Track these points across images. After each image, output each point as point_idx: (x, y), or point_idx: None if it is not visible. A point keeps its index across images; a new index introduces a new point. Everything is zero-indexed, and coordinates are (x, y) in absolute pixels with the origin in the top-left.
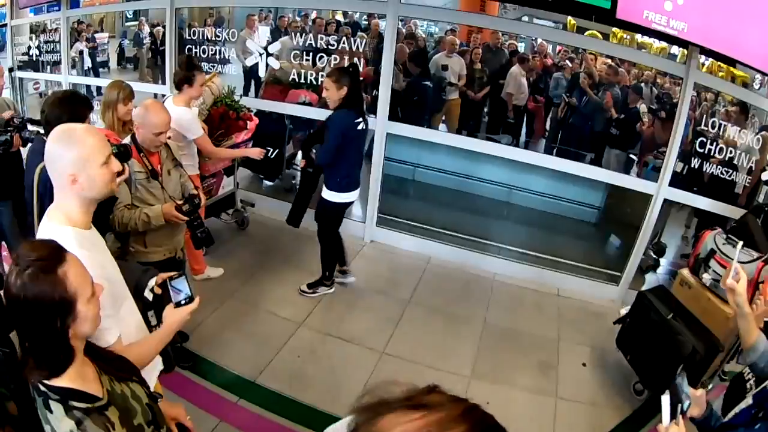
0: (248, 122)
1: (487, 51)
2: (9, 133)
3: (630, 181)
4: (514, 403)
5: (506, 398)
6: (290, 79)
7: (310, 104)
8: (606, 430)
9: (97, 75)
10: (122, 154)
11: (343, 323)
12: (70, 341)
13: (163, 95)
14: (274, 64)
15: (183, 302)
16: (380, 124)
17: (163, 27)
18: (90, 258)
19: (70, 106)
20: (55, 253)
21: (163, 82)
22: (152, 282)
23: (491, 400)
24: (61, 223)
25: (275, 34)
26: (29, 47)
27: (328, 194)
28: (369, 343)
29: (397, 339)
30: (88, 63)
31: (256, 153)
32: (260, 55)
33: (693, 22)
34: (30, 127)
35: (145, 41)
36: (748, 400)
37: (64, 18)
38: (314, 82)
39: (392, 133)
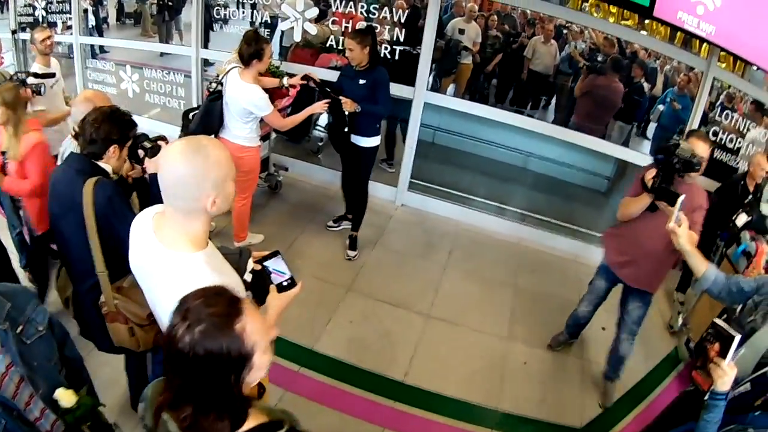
0: (291, 88)
1: (501, 17)
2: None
3: (634, 156)
4: (548, 364)
5: (541, 359)
6: (320, 44)
7: (339, 68)
8: (627, 388)
9: (100, 33)
10: (155, 149)
11: (389, 287)
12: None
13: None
14: (311, 29)
15: (285, 284)
16: (419, 94)
17: None
18: (222, 280)
19: (119, 124)
20: (231, 307)
21: (171, 40)
22: (250, 263)
23: (528, 360)
24: (191, 250)
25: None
26: (34, 7)
27: (371, 141)
28: (415, 307)
29: (440, 302)
30: (92, 21)
31: (320, 106)
32: (296, 19)
33: (721, 26)
34: (32, 80)
35: None
36: (747, 386)
37: None
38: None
39: (429, 102)
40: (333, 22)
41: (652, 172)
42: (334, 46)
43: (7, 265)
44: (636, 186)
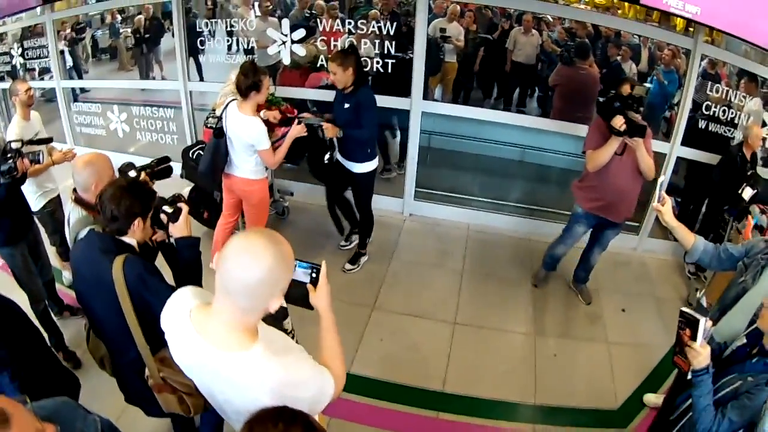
0: (289, 115)
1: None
2: (11, 159)
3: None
4: (577, 353)
5: (569, 349)
6: (308, 63)
7: (332, 87)
8: (654, 364)
9: (79, 73)
10: (176, 212)
11: (411, 300)
12: None
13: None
14: (300, 51)
15: (314, 275)
16: (416, 103)
17: (146, 15)
18: (285, 361)
19: (140, 196)
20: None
21: (151, 72)
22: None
23: (557, 353)
24: (248, 345)
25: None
26: (11, 55)
27: (364, 166)
28: (440, 316)
29: (463, 308)
30: (69, 61)
31: (298, 131)
32: (283, 42)
33: (706, 6)
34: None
35: (121, 31)
36: (743, 339)
37: (50, 20)
38: None
39: (427, 111)
40: (321, 41)
41: (618, 120)
42: (324, 65)
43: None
44: (595, 139)
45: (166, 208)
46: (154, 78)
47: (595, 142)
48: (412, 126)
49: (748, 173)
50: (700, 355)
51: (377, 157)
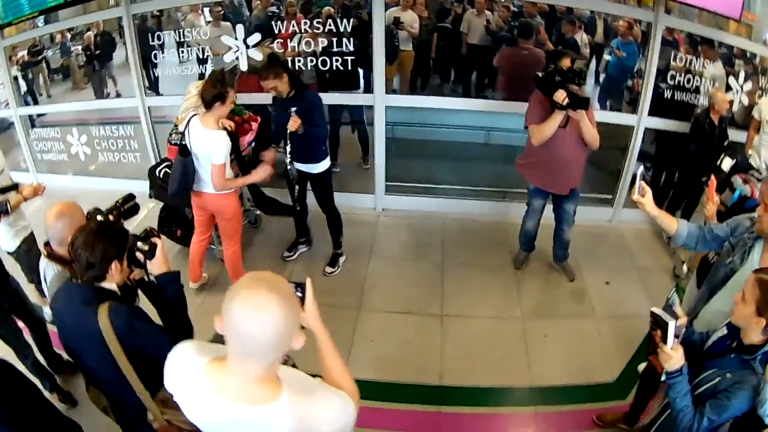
0: (253, 123)
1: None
2: None
3: (613, 117)
4: (567, 331)
5: (559, 328)
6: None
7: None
8: (643, 334)
9: (34, 97)
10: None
11: (395, 297)
12: None
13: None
14: (257, 55)
15: (299, 294)
16: (379, 98)
17: (96, 30)
18: (312, 401)
19: (113, 238)
20: None
21: (105, 88)
22: None
23: (548, 333)
24: (276, 395)
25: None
26: None
27: (323, 165)
28: (427, 310)
29: (448, 300)
30: (23, 87)
31: (264, 173)
32: (238, 49)
33: None
34: None
35: (72, 49)
36: (723, 330)
37: (1, 48)
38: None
39: (391, 105)
40: (278, 43)
41: (561, 94)
42: None
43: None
44: (537, 113)
45: (140, 245)
46: (108, 94)
47: (537, 116)
48: (377, 121)
49: (725, 143)
50: (671, 358)
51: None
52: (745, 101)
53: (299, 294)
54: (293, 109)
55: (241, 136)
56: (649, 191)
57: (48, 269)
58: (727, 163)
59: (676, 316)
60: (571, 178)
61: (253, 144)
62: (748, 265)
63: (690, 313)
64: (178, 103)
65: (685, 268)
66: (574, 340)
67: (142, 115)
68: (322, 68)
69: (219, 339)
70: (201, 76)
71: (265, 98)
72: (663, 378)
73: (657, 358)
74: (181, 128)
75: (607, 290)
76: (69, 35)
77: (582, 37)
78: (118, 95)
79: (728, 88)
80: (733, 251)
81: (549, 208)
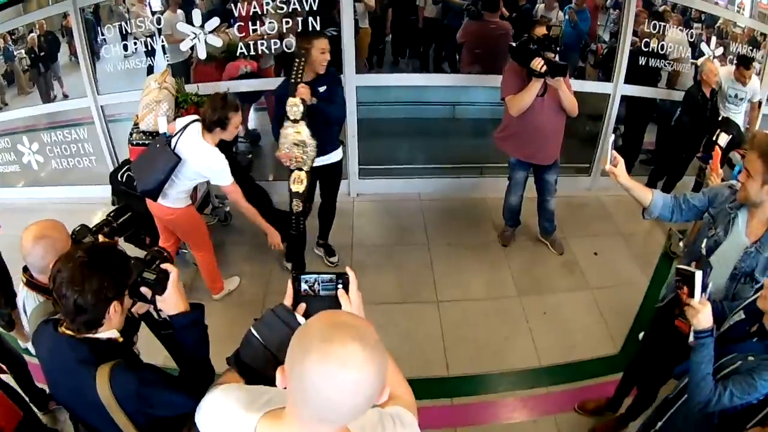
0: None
1: None
2: None
3: (588, 85)
4: (564, 306)
5: (556, 304)
6: (223, 54)
7: (252, 74)
8: (639, 301)
9: None
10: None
11: (386, 286)
12: None
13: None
14: (215, 41)
15: (341, 283)
16: (349, 79)
17: (40, 31)
18: None
19: (110, 271)
20: None
21: (52, 90)
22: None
23: (546, 310)
24: None
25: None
26: None
27: (340, 153)
28: (421, 297)
29: (441, 284)
30: None
31: (273, 237)
32: (196, 36)
33: None
34: None
35: (15, 53)
36: (741, 314)
37: None
38: (254, 50)
39: (361, 85)
40: (239, 28)
41: (538, 62)
42: (245, 54)
43: None
44: (514, 84)
45: (146, 275)
46: (55, 97)
47: (514, 87)
48: (349, 102)
49: (720, 119)
50: (699, 312)
51: None
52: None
53: (340, 286)
54: (321, 89)
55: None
56: (621, 161)
57: (28, 299)
58: (723, 139)
59: (707, 266)
60: (552, 148)
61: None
62: (733, 236)
63: (671, 289)
64: (134, 99)
65: (681, 245)
66: (573, 314)
67: (96, 116)
68: (287, 51)
69: (241, 363)
70: (151, 69)
71: (226, 87)
72: (690, 339)
73: (683, 320)
74: (142, 126)
75: (596, 260)
76: (11, 39)
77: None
78: (66, 97)
79: (700, 53)
80: (715, 222)
81: (531, 182)
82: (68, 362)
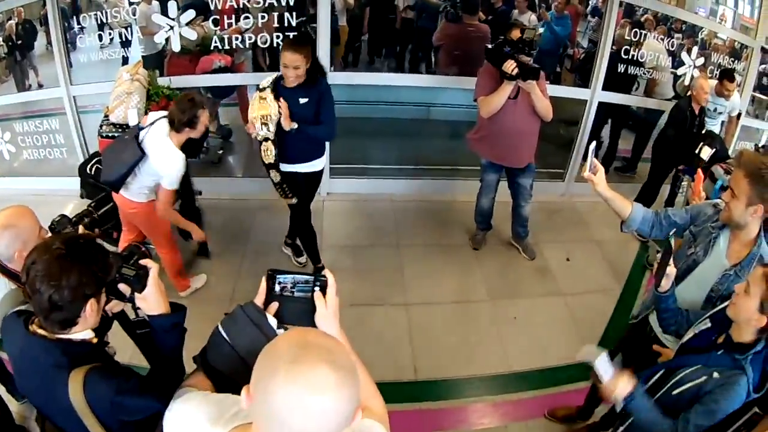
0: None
1: None
2: None
3: (566, 90)
4: (536, 311)
5: (527, 309)
6: (197, 47)
7: (225, 68)
8: (612, 308)
9: None
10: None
11: (356, 288)
12: None
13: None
14: (190, 34)
15: (316, 289)
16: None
17: (18, 19)
18: None
19: (88, 264)
20: None
21: (27, 79)
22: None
23: (517, 315)
24: None
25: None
26: None
27: (322, 162)
28: (392, 300)
29: (410, 287)
30: None
31: (198, 234)
32: (171, 28)
33: None
34: None
35: None
36: (707, 323)
37: None
38: (229, 45)
39: (336, 83)
40: (214, 22)
41: (510, 64)
42: (220, 47)
43: None
44: (487, 85)
45: (125, 270)
46: (30, 86)
47: (487, 89)
48: None
49: (703, 132)
50: (614, 390)
51: None
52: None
53: (317, 288)
54: (303, 100)
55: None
56: (601, 169)
57: (1, 290)
58: (706, 152)
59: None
60: (525, 151)
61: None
62: (713, 257)
63: (650, 305)
64: (108, 90)
65: (658, 256)
66: (545, 320)
67: (68, 106)
68: (261, 46)
69: (208, 366)
70: (126, 60)
71: (198, 81)
72: (618, 409)
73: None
74: (112, 118)
75: (568, 266)
76: None
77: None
78: (41, 86)
79: (680, 63)
80: (695, 241)
81: (504, 186)
82: (40, 365)
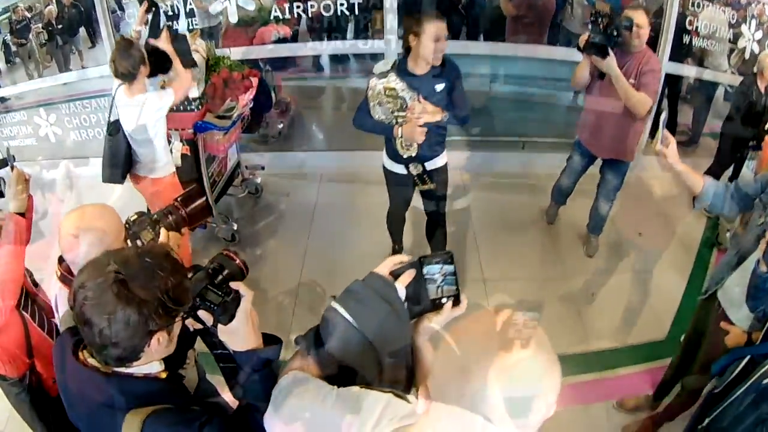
0: (252, 79)
1: None
2: None
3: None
4: (608, 286)
5: (599, 284)
6: (254, 18)
7: (285, 39)
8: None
9: None
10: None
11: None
12: None
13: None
14: (248, 4)
15: (443, 291)
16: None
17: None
18: None
19: (154, 295)
20: None
21: (68, 64)
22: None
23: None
24: None
25: None
26: None
27: (446, 156)
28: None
29: (487, 263)
30: None
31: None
32: None
33: None
34: None
35: (33, 27)
36: None
37: None
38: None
39: None
40: None
41: (583, 36)
42: (280, 17)
43: None
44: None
45: (209, 296)
46: (71, 70)
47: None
48: None
49: None
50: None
51: None
52: (756, 50)
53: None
54: (439, 86)
55: (240, 95)
56: (673, 141)
57: (60, 296)
58: None
59: None
60: (607, 140)
61: (251, 104)
62: None
63: (718, 280)
64: None
65: (728, 235)
66: (621, 294)
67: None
68: (325, 14)
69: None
70: None
71: (258, 52)
72: None
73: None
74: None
75: (640, 241)
76: (28, 15)
77: None
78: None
79: (738, 35)
80: (765, 210)
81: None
82: (89, 400)
